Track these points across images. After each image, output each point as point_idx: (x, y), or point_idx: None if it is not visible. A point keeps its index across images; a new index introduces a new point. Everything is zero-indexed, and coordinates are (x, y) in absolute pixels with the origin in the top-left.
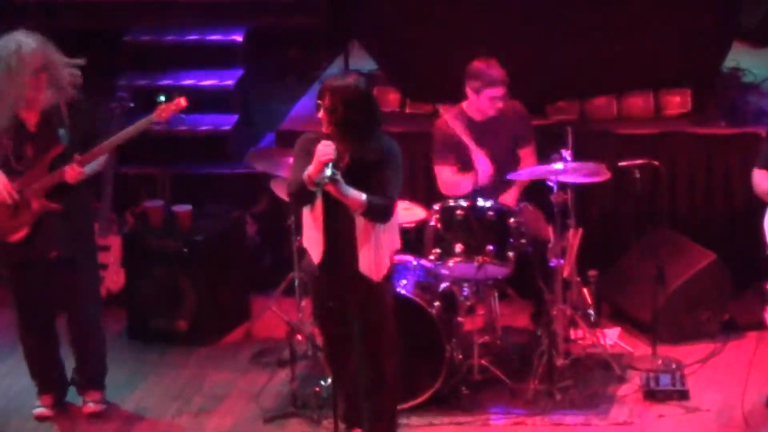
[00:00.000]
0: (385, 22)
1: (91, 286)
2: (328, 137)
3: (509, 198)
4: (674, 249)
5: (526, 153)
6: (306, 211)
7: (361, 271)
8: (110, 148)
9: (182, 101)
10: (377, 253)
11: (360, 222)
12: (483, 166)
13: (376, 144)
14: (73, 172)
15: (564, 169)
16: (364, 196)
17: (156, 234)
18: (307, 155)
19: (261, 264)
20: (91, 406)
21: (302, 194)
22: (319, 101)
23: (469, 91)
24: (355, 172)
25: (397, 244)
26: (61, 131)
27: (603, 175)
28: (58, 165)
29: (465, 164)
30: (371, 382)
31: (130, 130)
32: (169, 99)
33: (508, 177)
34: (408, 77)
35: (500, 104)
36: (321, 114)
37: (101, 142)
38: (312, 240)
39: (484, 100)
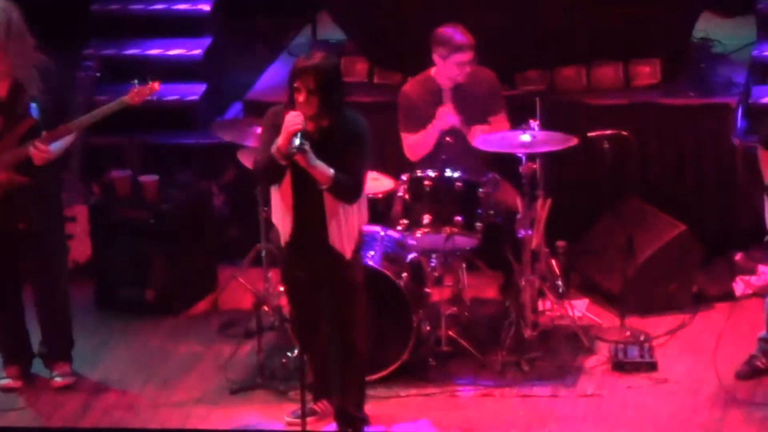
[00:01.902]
0: None
1: (59, 259)
2: (294, 109)
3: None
4: (643, 220)
5: (497, 120)
6: (274, 189)
7: (332, 244)
8: (78, 127)
9: (156, 85)
10: (346, 227)
11: (328, 197)
12: (444, 113)
13: (345, 119)
14: (38, 153)
15: (530, 142)
16: (331, 171)
17: (123, 204)
18: (275, 130)
19: (228, 234)
20: (60, 380)
21: (271, 170)
22: (297, 84)
23: (436, 57)
24: (324, 150)
25: (365, 219)
26: (33, 105)
27: (569, 142)
28: (28, 138)
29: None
30: (340, 354)
31: (103, 111)
32: (142, 82)
33: (475, 144)
34: (376, 46)
35: (467, 69)
36: (302, 97)
37: (71, 112)
38: (280, 216)
39: (451, 66)
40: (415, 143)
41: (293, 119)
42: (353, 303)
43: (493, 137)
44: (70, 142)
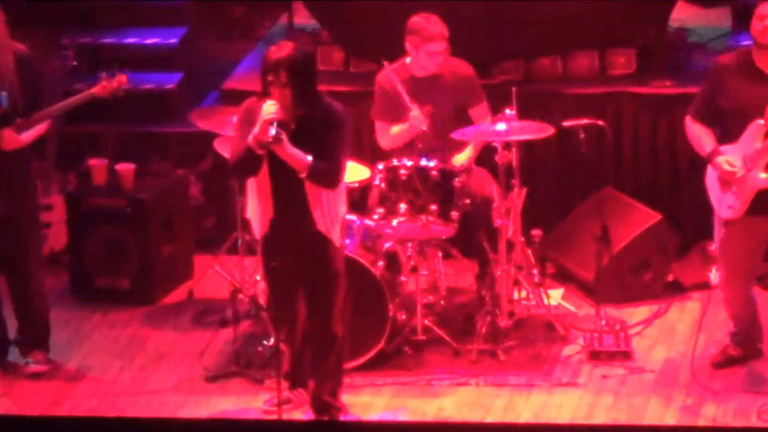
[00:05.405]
0: None
1: (32, 247)
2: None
3: (464, 158)
4: (619, 209)
5: (477, 112)
6: (251, 181)
7: (320, 230)
8: (49, 116)
9: (123, 78)
10: (330, 213)
11: (310, 184)
12: (415, 119)
13: (322, 106)
14: (9, 139)
15: (507, 130)
16: (308, 158)
17: (99, 193)
18: (249, 125)
19: (204, 223)
20: (34, 367)
21: (247, 162)
22: (270, 78)
23: (409, 46)
24: (301, 138)
25: (344, 211)
26: (3, 93)
27: (545, 132)
28: None
29: (403, 119)
30: (319, 342)
31: (71, 102)
32: (110, 75)
33: (452, 136)
34: (351, 35)
35: (440, 59)
36: (276, 91)
37: (46, 102)
38: (257, 208)
39: (423, 55)
40: (388, 137)
41: (269, 109)
42: (335, 291)
43: (469, 128)
44: (42, 130)
